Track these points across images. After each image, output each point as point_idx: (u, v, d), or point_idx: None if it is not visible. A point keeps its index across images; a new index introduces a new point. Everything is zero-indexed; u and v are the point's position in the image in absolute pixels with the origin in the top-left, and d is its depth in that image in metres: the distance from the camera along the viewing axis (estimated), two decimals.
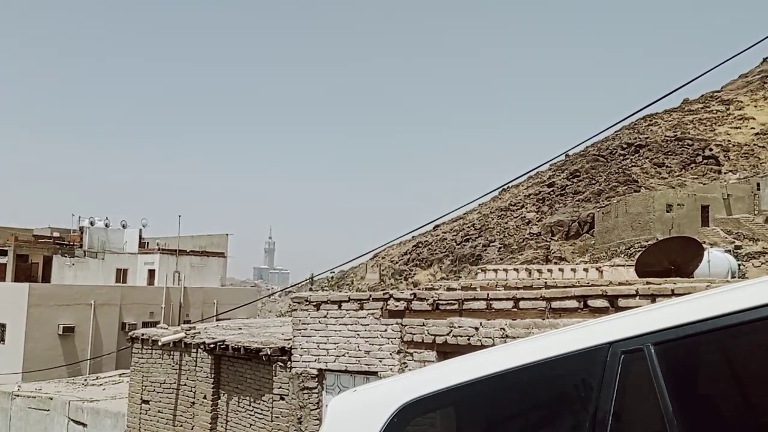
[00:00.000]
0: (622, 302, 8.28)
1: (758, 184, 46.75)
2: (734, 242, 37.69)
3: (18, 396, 21.65)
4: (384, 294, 10.39)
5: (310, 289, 41.74)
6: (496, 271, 20.67)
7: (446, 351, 9.70)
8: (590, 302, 8.46)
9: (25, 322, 28.33)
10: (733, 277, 16.31)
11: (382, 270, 76.99)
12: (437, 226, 77.02)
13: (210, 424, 12.94)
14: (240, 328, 15.38)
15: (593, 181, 64.28)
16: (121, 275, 37.52)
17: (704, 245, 17.21)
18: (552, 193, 68.72)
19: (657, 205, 45.94)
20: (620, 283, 10.07)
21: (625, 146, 67.78)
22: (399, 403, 2.73)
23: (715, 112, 74.27)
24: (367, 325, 10.39)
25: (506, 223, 68.18)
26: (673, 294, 7.99)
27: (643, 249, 23.25)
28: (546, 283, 11.80)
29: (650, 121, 76.49)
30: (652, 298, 8.11)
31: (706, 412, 2.01)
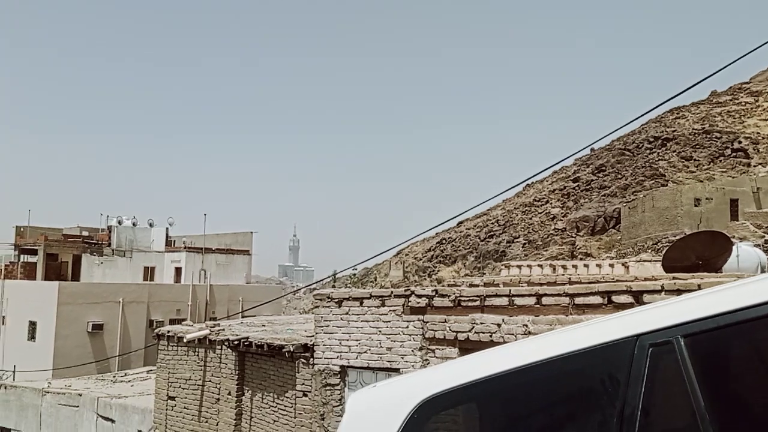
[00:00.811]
0: (647, 298, 8.15)
1: None
2: (764, 236, 36.92)
3: (48, 392, 22.07)
4: (406, 291, 10.37)
5: (333, 286, 41.89)
6: (520, 267, 20.49)
7: (468, 348, 9.65)
8: (614, 298, 8.35)
9: (55, 320, 28.92)
10: (762, 271, 15.96)
11: (406, 267, 76.96)
12: (461, 222, 76.77)
13: (234, 420, 13.07)
14: (264, 325, 15.49)
15: (619, 176, 63.47)
16: (149, 273, 38.07)
17: (733, 239, 16.86)
18: (577, 188, 68.01)
19: (685, 200, 45.20)
20: (645, 279, 9.91)
21: (651, 140, 66.79)
22: (419, 399, 2.69)
23: (743, 104, 72.81)
24: (389, 321, 10.39)
25: (530, 218, 67.66)
26: (699, 289, 7.85)
27: (671, 244, 22.89)
28: (570, 279, 11.67)
29: (677, 114, 75.24)
30: (678, 293, 7.97)
31: (739, 406, 1.95)
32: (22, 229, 37.20)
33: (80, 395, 20.54)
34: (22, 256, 36.81)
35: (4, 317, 31.72)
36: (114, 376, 25.44)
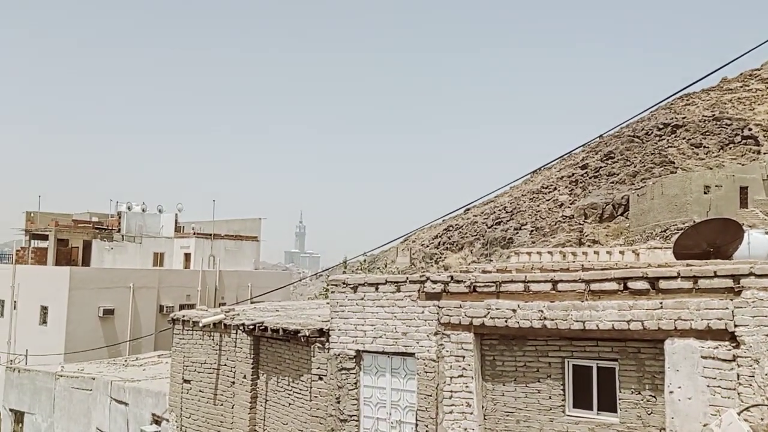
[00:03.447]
0: (663, 284, 8.22)
1: None
2: None
3: (61, 376, 22.31)
4: (421, 276, 10.46)
5: (344, 272, 42.02)
6: (529, 254, 20.52)
7: (483, 333, 9.76)
8: (630, 284, 8.42)
9: (66, 305, 29.12)
10: None
11: (413, 253, 77.01)
12: (468, 209, 76.67)
13: (250, 403, 13.23)
14: (277, 310, 15.62)
15: (628, 163, 63.17)
16: (158, 259, 38.25)
17: (743, 227, 16.85)
18: (585, 175, 67.74)
19: (694, 187, 45.01)
20: (660, 266, 9.95)
21: (661, 126, 66.38)
22: None
23: (754, 90, 72.20)
24: (404, 307, 10.49)
25: (538, 205, 67.49)
26: (715, 276, 7.90)
27: (681, 231, 22.86)
28: (583, 265, 11.71)
29: (687, 100, 74.69)
30: (694, 280, 8.04)
31: None
32: (32, 215, 37.33)
33: (93, 379, 20.77)
34: (33, 241, 36.98)
35: (15, 302, 31.95)
36: (125, 361, 25.68)
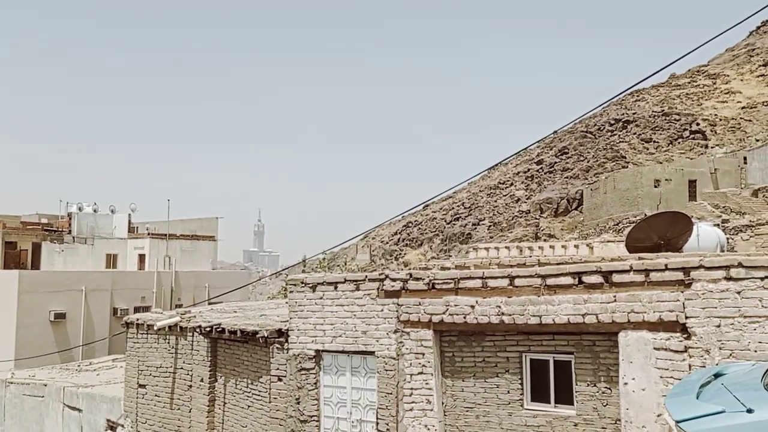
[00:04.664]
0: (616, 278, 8.38)
1: (745, 158, 47.06)
2: (721, 216, 38.06)
3: (12, 383, 21.58)
4: (380, 274, 10.44)
5: (303, 271, 41.77)
6: (488, 249, 20.75)
7: (443, 329, 9.80)
8: (585, 278, 8.55)
9: (16, 309, 28.21)
10: (722, 250, 16.47)
11: (373, 250, 77.13)
12: (427, 205, 77.09)
13: (208, 406, 13.01)
14: (235, 311, 15.40)
15: (581, 158, 64.46)
16: (111, 260, 37.33)
17: (693, 219, 17.34)
18: (541, 170, 68.87)
19: (645, 181, 46.18)
20: (613, 259, 10.15)
21: (612, 122, 67.90)
22: None
23: (701, 86, 74.46)
24: (364, 305, 10.46)
25: (495, 201, 68.34)
26: (666, 269, 8.09)
27: (633, 225, 23.42)
28: (539, 260, 11.88)
29: (637, 96, 76.57)
30: (646, 273, 8.21)
31: None
32: None
33: (45, 385, 20.14)
34: None
35: None
36: (79, 366, 24.99)
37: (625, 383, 8.15)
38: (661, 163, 52.36)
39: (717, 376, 6.55)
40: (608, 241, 21.29)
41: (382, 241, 79.68)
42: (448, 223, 68.92)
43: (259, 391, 12.05)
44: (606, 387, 8.53)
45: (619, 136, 64.74)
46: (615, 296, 8.30)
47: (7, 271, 31.68)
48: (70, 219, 37.50)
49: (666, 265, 8.12)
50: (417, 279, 10.00)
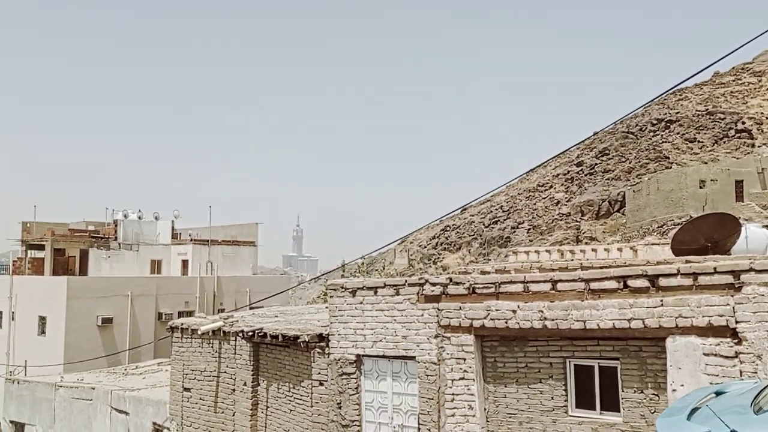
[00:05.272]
0: (663, 282, 8.19)
1: None
2: None
3: (61, 386, 22.20)
4: (420, 279, 10.42)
5: (342, 276, 41.95)
6: (527, 253, 20.51)
7: (484, 334, 9.73)
8: (630, 282, 8.39)
9: (64, 315, 29.01)
10: None
11: (411, 254, 77.00)
12: (465, 209, 76.68)
13: (251, 410, 13.17)
14: (276, 316, 15.57)
15: (623, 159, 63.25)
16: (156, 266, 38.12)
17: (740, 221, 16.85)
18: (581, 172, 67.81)
19: (690, 182, 45.07)
20: (659, 263, 9.94)
21: (655, 122, 66.48)
22: None
23: (746, 84, 72.38)
24: (404, 310, 10.45)
25: (534, 204, 67.54)
26: (715, 272, 7.87)
27: (678, 227, 22.87)
28: (581, 263, 11.70)
29: (680, 95, 74.80)
30: (694, 276, 8.01)
31: None
32: (28, 225, 37.18)
33: (93, 389, 20.66)
34: (29, 251, 36.84)
35: (13, 313, 31.81)
36: (125, 369, 25.58)
37: (674, 390, 7.96)
38: (706, 163, 51.05)
39: (718, 394, 6.56)
40: (653, 244, 20.82)
41: (420, 245, 79.51)
42: (487, 227, 68.40)
43: (301, 395, 12.14)
44: (653, 393, 8.34)
45: (662, 136, 63.34)
46: (662, 300, 8.12)
47: (56, 277, 32.67)
48: (116, 226, 38.43)
49: (715, 269, 7.90)
50: (457, 283, 9.95)
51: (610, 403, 8.80)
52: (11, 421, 24.33)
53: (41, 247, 36.32)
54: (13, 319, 31.75)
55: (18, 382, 24.84)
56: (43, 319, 30.16)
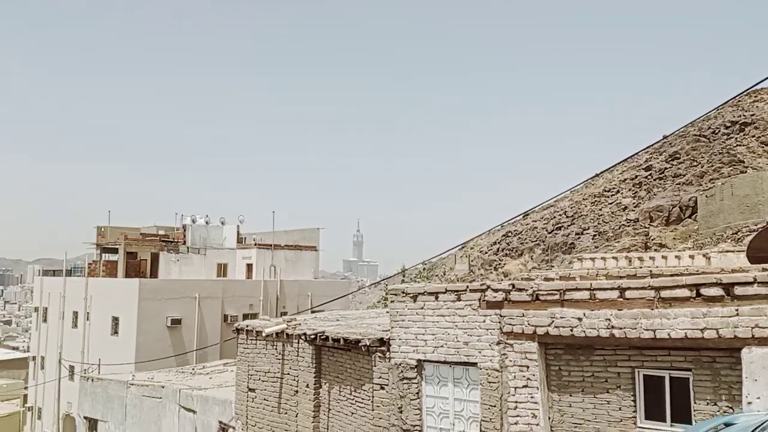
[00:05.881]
0: (738, 290, 7.85)
1: None
2: None
3: (133, 384, 23.05)
4: (481, 285, 10.31)
5: (402, 281, 42.01)
6: (593, 259, 20.01)
7: (548, 342, 9.54)
8: (703, 291, 8.08)
9: (136, 316, 30.17)
10: None
11: (471, 260, 76.26)
12: (527, 214, 75.46)
13: (313, 411, 13.33)
14: (337, 320, 15.72)
15: (695, 163, 60.85)
16: (222, 270, 39.20)
17: None
18: (649, 176, 65.64)
19: (766, 186, 42.96)
20: (734, 270, 9.52)
21: (728, 125, 63.72)
22: None
23: None
24: (465, 316, 10.36)
25: (600, 209, 65.77)
26: None
27: (754, 233, 21.84)
28: (651, 271, 11.33)
29: (755, 96, 71.52)
30: None
31: None
32: (103, 230, 38.88)
33: (163, 387, 21.36)
34: (103, 255, 38.52)
35: (88, 313, 33.29)
36: (193, 369, 26.34)
37: (749, 402, 7.60)
38: None
39: (727, 425, 6.46)
40: (727, 251, 19.96)
41: (480, 251, 78.65)
42: (550, 233, 67.02)
43: (362, 399, 12.20)
44: (728, 406, 7.99)
45: (736, 139, 60.62)
46: (737, 310, 7.77)
47: (128, 279, 34.01)
48: (184, 230, 39.73)
49: None
50: (520, 290, 9.80)
51: (681, 415, 8.48)
52: (85, 417, 25.43)
53: (115, 251, 37.91)
54: (88, 319, 33.23)
55: (92, 380, 25.95)
56: (116, 320, 31.43)
